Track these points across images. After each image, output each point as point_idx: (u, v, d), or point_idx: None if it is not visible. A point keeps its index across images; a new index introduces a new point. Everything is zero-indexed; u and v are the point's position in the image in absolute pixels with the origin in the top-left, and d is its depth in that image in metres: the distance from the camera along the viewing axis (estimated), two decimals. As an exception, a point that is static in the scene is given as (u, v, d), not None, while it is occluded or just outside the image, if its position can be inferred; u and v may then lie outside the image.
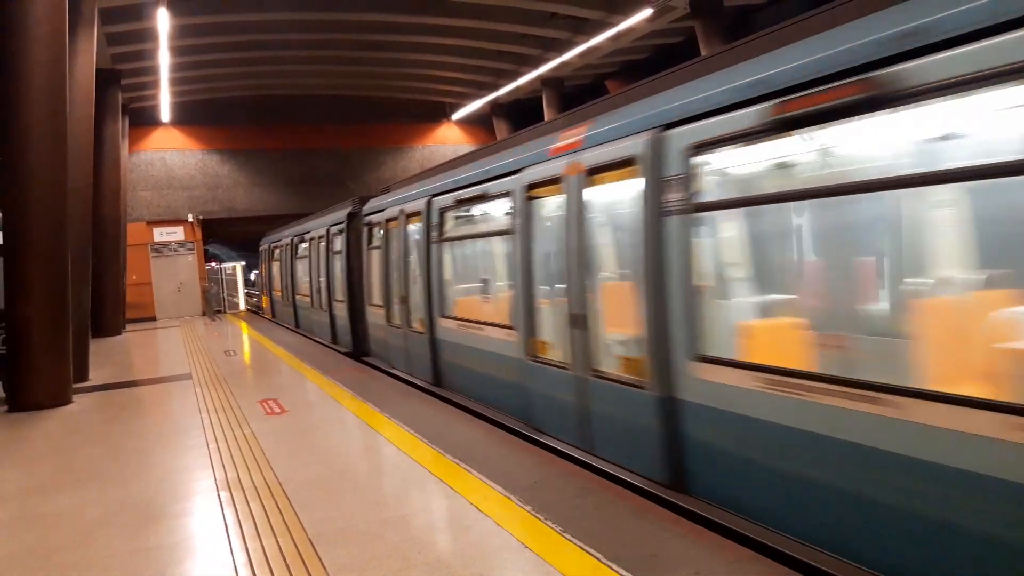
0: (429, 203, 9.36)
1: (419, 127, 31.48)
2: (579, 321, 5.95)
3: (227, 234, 39.94)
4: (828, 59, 3.74)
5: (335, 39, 22.45)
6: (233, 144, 28.84)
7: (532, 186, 6.74)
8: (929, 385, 3.38)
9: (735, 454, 4.46)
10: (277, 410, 8.60)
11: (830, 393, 3.69)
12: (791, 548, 3.96)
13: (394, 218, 10.81)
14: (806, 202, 5.15)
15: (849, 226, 5.34)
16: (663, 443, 5.01)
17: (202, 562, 4.38)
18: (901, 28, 3.37)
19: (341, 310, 14.21)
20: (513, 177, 7.10)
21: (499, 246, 8.44)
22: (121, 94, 22.63)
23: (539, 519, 4.50)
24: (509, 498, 4.92)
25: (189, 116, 27.82)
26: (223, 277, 34.16)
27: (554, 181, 6.33)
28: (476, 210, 8.57)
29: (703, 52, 19.04)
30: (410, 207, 10.07)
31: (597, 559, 3.88)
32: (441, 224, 9.02)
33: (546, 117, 26.32)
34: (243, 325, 22.52)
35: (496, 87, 27.23)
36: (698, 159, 4.65)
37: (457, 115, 30.98)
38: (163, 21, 16.27)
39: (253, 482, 5.79)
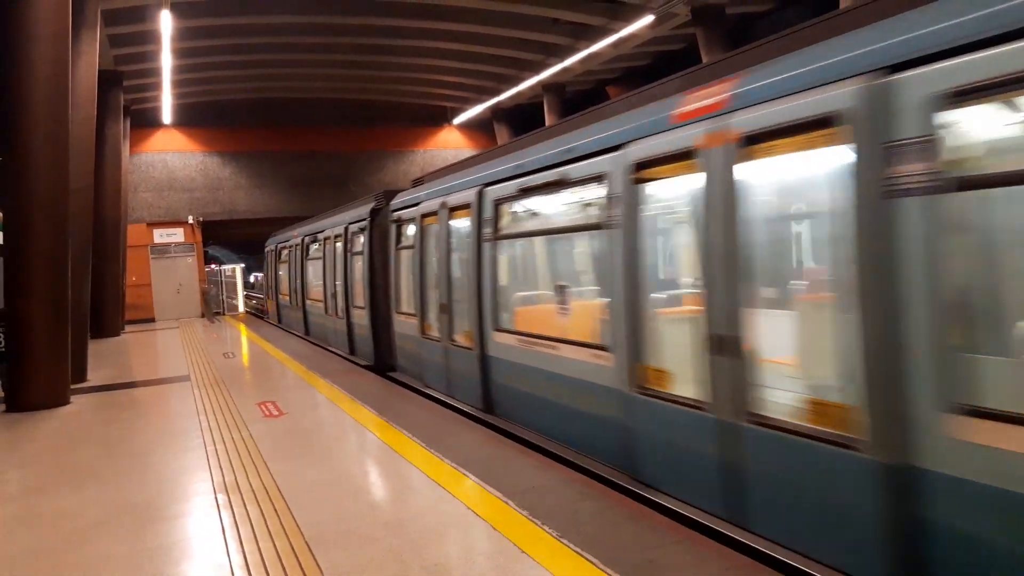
0: (480, 195, 7.95)
1: (420, 131, 31.53)
2: (727, 346, 4.40)
3: (227, 236, 40.06)
4: None
5: (337, 43, 22.51)
6: (234, 146, 28.87)
7: (642, 165, 5.24)
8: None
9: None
10: (275, 412, 8.60)
11: None
12: (788, 556, 3.96)
13: (432, 213, 9.38)
14: None
15: None
16: (906, 541, 3.38)
17: (199, 564, 4.38)
18: None
19: (361, 318, 12.72)
20: (610, 156, 5.63)
21: (584, 244, 7.36)
22: (123, 95, 22.67)
23: (536, 523, 4.50)
24: (506, 502, 4.92)
25: (190, 118, 27.86)
26: (223, 279, 34.15)
27: (681, 157, 4.82)
28: (547, 200, 7.08)
29: (704, 59, 19.10)
30: (454, 200, 8.68)
31: (594, 564, 3.88)
32: (496, 218, 7.63)
33: (547, 123, 26.39)
34: (242, 327, 22.51)
35: (498, 92, 27.29)
36: (954, 113, 3.22)
37: (458, 119, 31.02)
38: (166, 23, 16.31)
39: (250, 484, 5.79)
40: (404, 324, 10.74)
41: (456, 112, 30.81)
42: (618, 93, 26.83)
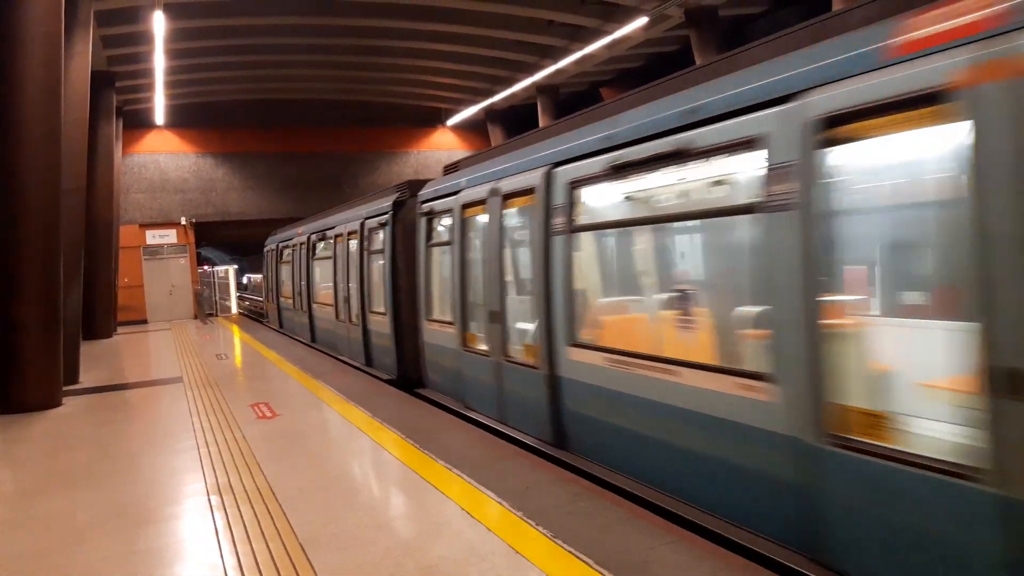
0: (549, 177, 6.46)
1: (414, 132, 31.50)
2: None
3: (220, 237, 39.94)
4: None
5: (331, 44, 22.48)
6: (227, 147, 28.79)
7: (836, 121, 3.74)
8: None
9: None
10: (269, 413, 8.58)
11: None
12: (782, 556, 3.97)
13: (477, 202, 7.93)
14: None
15: None
16: None
17: (192, 566, 4.36)
18: None
19: (381, 324, 11.26)
20: (770, 113, 4.16)
21: (717, 234, 6.07)
22: (115, 96, 22.59)
23: (530, 524, 4.50)
24: (501, 503, 4.92)
25: (183, 119, 27.77)
26: (215, 280, 34.06)
27: (915, 102, 3.32)
28: (653, 179, 5.61)
29: (698, 61, 19.15)
30: (511, 185, 7.18)
31: (588, 565, 3.88)
32: (572, 205, 6.13)
33: (541, 124, 26.42)
34: (235, 329, 22.44)
35: (491, 93, 27.29)
36: None
37: (452, 121, 31.01)
38: (159, 24, 16.26)
39: (244, 486, 5.77)
40: (437, 334, 9.20)
41: (450, 113, 30.80)
42: (612, 95, 26.88)
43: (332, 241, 14.54)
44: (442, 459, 6.09)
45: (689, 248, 6.77)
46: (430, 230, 9.58)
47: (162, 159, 28.05)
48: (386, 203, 11.12)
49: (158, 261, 27.71)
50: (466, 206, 8.26)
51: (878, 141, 3.75)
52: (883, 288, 5.22)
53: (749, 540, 4.19)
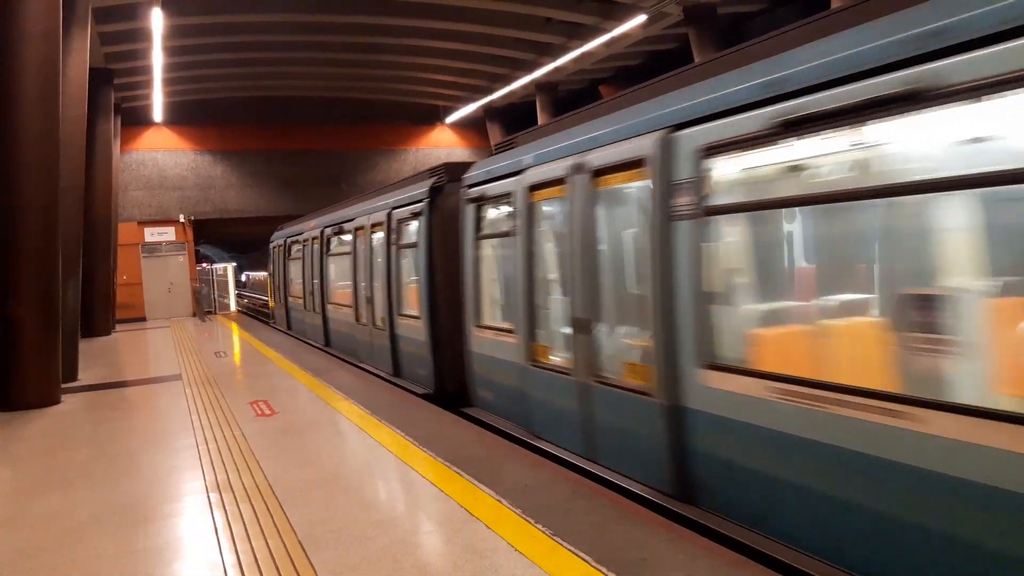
0: (667, 143, 4.86)
1: (413, 130, 31.49)
2: None
3: (219, 235, 39.95)
4: None
5: (330, 41, 22.46)
6: (226, 145, 28.77)
7: None
8: None
9: None
10: (268, 411, 8.58)
11: None
12: (781, 553, 3.99)
13: (551, 182, 6.40)
14: None
15: None
16: None
17: (191, 564, 4.37)
18: None
19: (413, 330, 9.81)
20: None
21: (970, 214, 3.85)
22: (114, 93, 22.57)
23: (530, 522, 4.51)
24: (500, 501, 4.93)
25: (182, 116, 27.74)
26: (214, 278, 34.05)
27: None
28: (852, 138, 3.88)
29: (696, 59, 19.16)
30: (603, 158, 5.64)
31: (587, 562, 3.89)
32: (704, 180, 4.59)
33: (540, 122, 26.41)
34: (234, 326, 22.44)
35: (490, 91, 27.28)
36: None
37: (451, 118, 31.00)
38: (157, 21, 16.24)
39: (243, 483, 5.78)
40: (491, 343, 7.66)
41: (449, 111, 30.79)
42: (611, 92, 26.87)
43: (351, 235, 13.06)
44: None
45: (924, 234, 4.18)
46: (480, 219, 8.02)
47: (160, 156, 28.03)
48: (420, 190, 9.63)
49: (157, 259, 27.70)
50: (534, 188, 6.70)
51: None
52: None
53: (747, 538, 4.21)
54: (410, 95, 29.80)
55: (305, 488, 5.58)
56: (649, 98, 5.50)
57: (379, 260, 11.32)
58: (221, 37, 21.12)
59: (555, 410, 6.39)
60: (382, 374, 11.12)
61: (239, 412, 8.63)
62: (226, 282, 32.85)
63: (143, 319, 26.88)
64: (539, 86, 26.01)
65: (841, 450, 3.66)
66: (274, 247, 22.14)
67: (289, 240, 19.56)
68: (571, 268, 6.13)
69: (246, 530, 4.76)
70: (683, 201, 4.80)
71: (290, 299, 19.71)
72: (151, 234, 27.67)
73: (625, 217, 6.26)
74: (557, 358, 6.51)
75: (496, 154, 8.23)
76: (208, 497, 5.51)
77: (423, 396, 9.17)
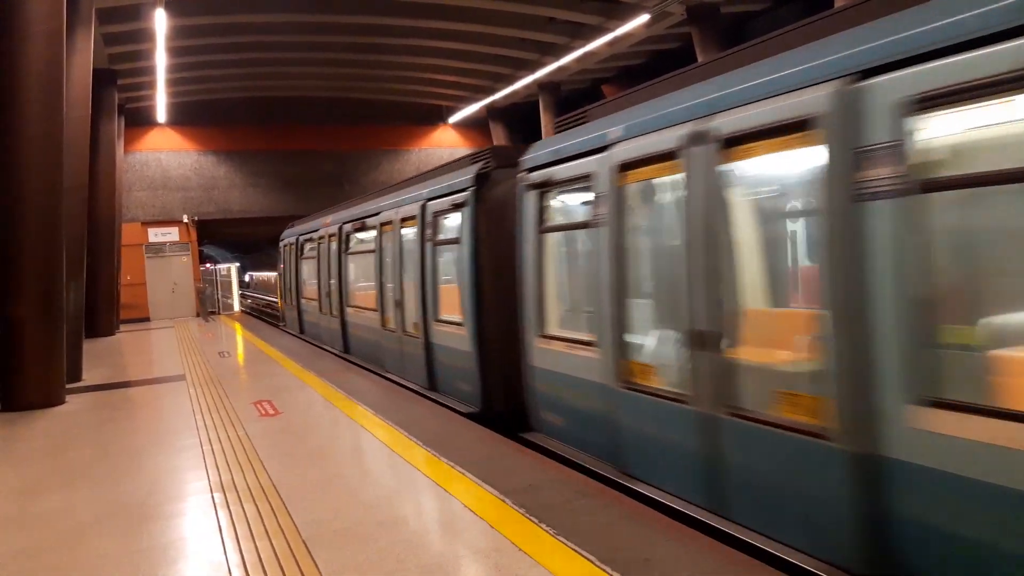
0: (850, 96, 3.67)
1: (415, 130, 31.50)
2: None
3: (222, 235, 39.94)
4: None
5: (333, 41, 22.48)
6: (229, 145, 28.80)
7: None
8: None
9: None
10: (271, 410, 8.58)
11: None
12: (783, 552, 3.98)
13: (655, 157, 5.08)
14: None
15: None
16: None
17: (195, 563, 4.37)
18: None
19: (455, 338, 8.59)
20: None
21: None
22: (117, 94, 22.60)
23: (533, 521, 4.50)
24: (503, 500, 4.93)
25: (185, 116, 27.78)
26: (218, 278, 34.09)
27: None
28: None
29: (699, 59, 19.14)
30: (738, 122, 4.37)
31: (591, 562, 3.88)
32: (913, 142, 3.44)
33: (543, 122, 26.42)
34: (238, 326, 22.46)
35: (493, 91, 27.28)
36: None
37: (453, 118, 31.00)
38: (160, 22, 16.25)
39: (247, 483, 5.78)
40: (562, 357, 6.35)
41: (451, 111, 30.79)
42: (613, 92, 26.86)
43: (375, 231, 11.81)
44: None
45: None
46: (545, 208, 6.73)
47: (164, 157, 28.07)
48: (463, 177, 8.46)
49: (160, 259, 27.74)
50: (627, 167, 5.41)
51: None
52: None
53: (751, 537, 4.20)
54: (412, 95, 29.81)
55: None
56: (799, 44, 4.26)
57: (410, 258, 10.07)
58: (224, 38, 21.15)
59: (659, 446, 5.09)
60: (413, 386, 9.86)
61: (243, 412, 8.63)
62: (230, 282, 32.88)
63: (147, 319, 26.93)
64: (542, 86, 26.00)
65: None
66: (285, 246, 20.97)
67: (302, 238, 18.33)
68: (687, 267, 4.74)
69: (250, 529, 4.76)
70: (879, 173, 3.55)
71: (303, 301, 18.47)
72: (155, 234, 27.71)
73: (774, 199, 5.06)
74: (663, 380, 5.17)
75: (562, 130, 6.86)
76: (212, 497, 5.51)
77: (466, 415, 7.98)
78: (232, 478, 5.95)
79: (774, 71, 4.24)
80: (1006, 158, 3.30)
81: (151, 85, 23.50)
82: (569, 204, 6.92)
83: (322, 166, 29.76)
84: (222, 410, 8.84)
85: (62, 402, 10.11)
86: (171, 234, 27.90)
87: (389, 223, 11.09)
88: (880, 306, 3.51)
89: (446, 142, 31.84)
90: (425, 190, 9.72)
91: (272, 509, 5.12)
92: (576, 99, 27.21)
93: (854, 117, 3.64)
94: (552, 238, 6.87)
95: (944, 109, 3.32)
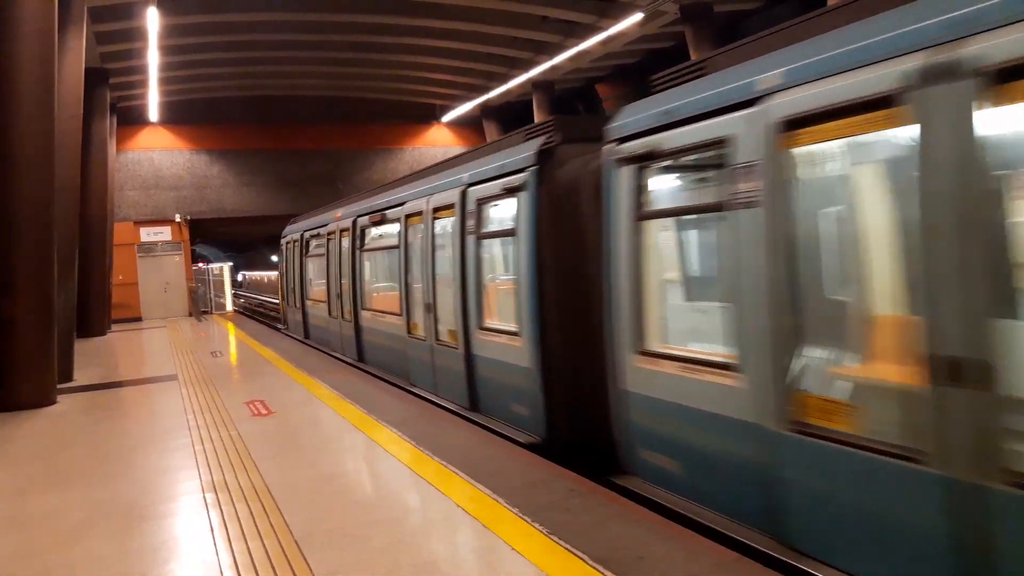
0: None
1: (409, 128, 31.47)
2: None
3: (215, 234, 39.89)
4: None
5: (326, 40, 22.42)
6: (222, 144, 28.71)
7: None
8: None
9: None
10: (265, 410, 8.55)
11: None
12: (776, 550, 3.98)
13: (867, 104, 3.51)
14: None
15: None
16: None
17: (187, 564, 4.35)
18: None
19: (507, 351, 7.12)
20: None
21: None
22: (109, 93, 22.51)
23: (527, 521, 4.50)
24: (497, 500, 4.92)
25: (178, 115, 27.68)
26: (210, 278, 34.01)
27: None
28: None
29: (693, 57, 19.17)
30: None
31: (584, 561, 3.88)
32: None
33: (536, 120, 26.40)
34: (231, 326, 22.40)
35: (486, 90, 27.26)
36: None
37: (447, 117, 30.98)
38: (153, 20, 16.20)
39: (239, 483, 5.76)
40: (678, 383, 4.84)
41: (445, 110, 30.77)
42: (607, 91, 26.90)
43: (399, 224, 10.41)
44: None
45: None
46: (643, 188, 5.26)
47: (156, 156, 27.96)
48: (519, 156, 6.97)
49: (153, 258, 27.64)
50: (795, 124, 3.92)
51: None
52: None
53: (744, 535, 4.20)
54: (406, 94, 29.77)
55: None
56: None
57: (445, 255, 8.79)
58: (217, 36, 21.08)
59: (864, 520, 3.56)
60: (450, 405, 8.39)
61: (235, 412, 8.60)
62: (222, 282, 32.80)
63: (139, 319, 26.83)
64: (535, 85, 26.00)
65: None
66: (287, 243, 19.35)
67: (307, 234, 16.74)
68: (924, 263, 3.28)
69: (242, 530, 4.74)
70: None
71: (309, 303, 16.86)
72: (147, 234, 27.61)
73: None
74: (873, 425, 3.65)
75: (658, 92, 5.33)
76: (204, 497, 5.49)
77: (526, 445, 6.52)
78: (224, 478, 5.93)
79: None
80: None
81: (143, 84, 23.41)
82: (686, 180, 5.55)
83: (315, 165, 29.69)
84: (214, 410, 8.81)
85: (53, 402, 10.06)
86: (163, 233, 27.80)
87: (417, 214, 9.68)
88: None
89: (440, 141, 31.81)
90: (465, 174, 8.30)
91: (264, 509, 5.10)
92: (570, 98, 27.28)
93: None
94: (656, 226, 5.44)
95: None
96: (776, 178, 4.05)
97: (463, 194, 8.15)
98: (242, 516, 5.00)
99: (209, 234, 37.93)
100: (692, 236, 5.75)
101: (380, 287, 12.62)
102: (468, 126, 31.60)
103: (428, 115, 31.48)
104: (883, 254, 4.05)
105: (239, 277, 54.09)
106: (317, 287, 16.14)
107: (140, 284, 27.33)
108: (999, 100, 2.98)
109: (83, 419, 9.14)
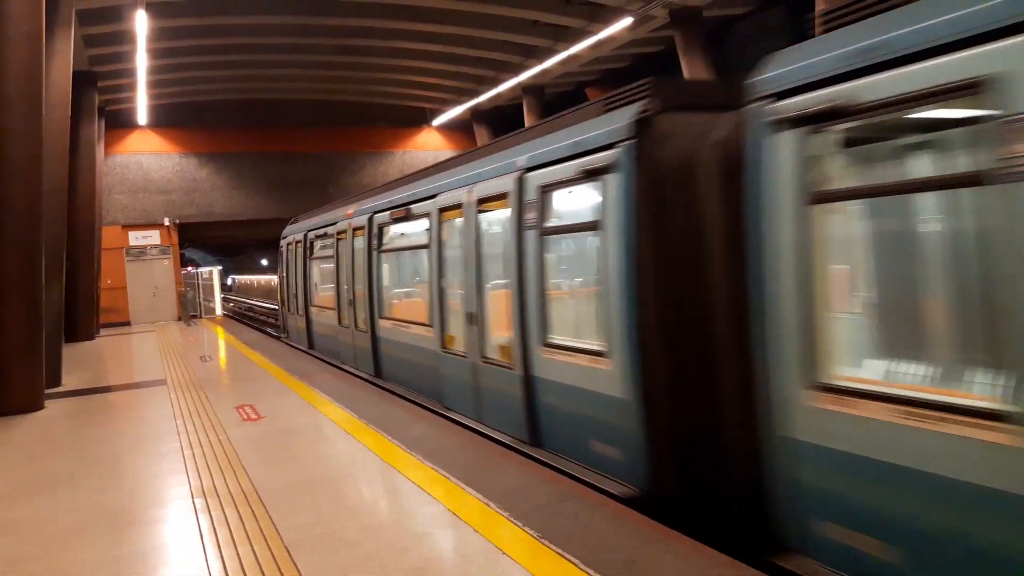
0: None
1: (399, 132, 31.44)
2: None
3: (204, 238, 39.69)
4: None
5: (316, 43, 22.38)
6: (211, 147, 28.58)
7: None
8: None
9: None
10: (255, 413, 8.51)
11: None
12: (775, 555, 3.99)
13: None
14: None
15: None
16: None
17: (176, 569, 4.33)
18: None
19: (588, 376, 5.74)
20: None
21: None
22: (98, 96, 22.39)
23: (517, 525, 4.50)
24: (487, 504, 4.92)
25: (166, 119, 27.55)
26: (199, 282, 33.84)
27: None
28: None
29: (683, 62, 19.26)
30: None
31: (574, 564, 3.89)
32: None
33: (527, 124, 26.44)
34: (220, 330, 22.30)
35: (477, 94, 27.28)
36: None
37: (437, 121, 30.97)
38: (141, 23, 16.12)
39: (228, 488, 5.74)
40: (886, 433, 3.34)
41: (435, 114, 30.76)
42: (597, 95, 26.90)
43: (429, 220, 8.88)
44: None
45: None
46: (817, 160, 3.79)
47: (145, 159, 27.82)
48: (605, 129, 5.60)
49: (141, 262, 27.48)
50: None
51: None
52: None
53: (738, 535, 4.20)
54: (396, 97, 29.75)
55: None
56: None
57: (494, 255, 7.53)
58: (206, 39, 21.01)
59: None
60: (502, 438, 6.98)
61: (225, 417, 8.56)
62: (211, 286, 32.65)
63: (127, 323, 26.66)
64: (525, 89, 26.03)
65: None
66: (288, 244, 17.74)
67: (312, 234, 15.12)
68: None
69: (231, 535, 4.72)
70: None
71: (314, 310, 15.26)
72: (135, 238, 27.44)
73: None
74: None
75: (831, 30, 3.86)
76: (193, 502, 5.46)
77: (625, 499, 5.09)
78: (214, 483, 5.90)
79: None
80: None
81: (132, 87, 23.29)
82: (899, 147, 4.07)
83: (305, 168, 29.61)
84: (203, 414, 8.77)
85: (41, 407, 9.98)
86: (152, 237, 27.64)
87: (454, 207, 8.19)
88: None
89: (430, 144, 31.81)
90: (522, 157, 6.84)
91: (254, 514, 5.08)
92: (560, 102, 27.21)
93: None
94: (837, 213, 3.95)
95: None
96: None
97: (520, 181, 6.73)
98: (231, 521, 4.98)
99: (198, 238, 37.76)
100: (895, 223, 4.17)
101: (403, 293, 11.20)
102: (459, 130, 31.61)
103: (419, 119, 31.47)
104: None
105: (228, 281, 53.82)
106: (324, 292, 14.67)
107: (129, 288, 27.16)
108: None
109: (71, 424, 9.08)
